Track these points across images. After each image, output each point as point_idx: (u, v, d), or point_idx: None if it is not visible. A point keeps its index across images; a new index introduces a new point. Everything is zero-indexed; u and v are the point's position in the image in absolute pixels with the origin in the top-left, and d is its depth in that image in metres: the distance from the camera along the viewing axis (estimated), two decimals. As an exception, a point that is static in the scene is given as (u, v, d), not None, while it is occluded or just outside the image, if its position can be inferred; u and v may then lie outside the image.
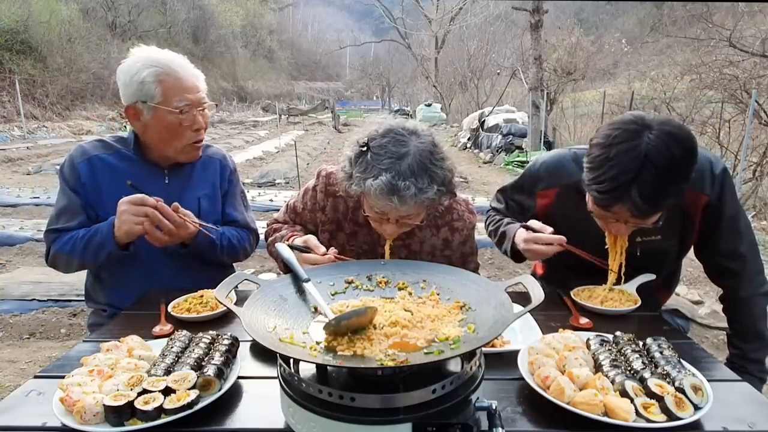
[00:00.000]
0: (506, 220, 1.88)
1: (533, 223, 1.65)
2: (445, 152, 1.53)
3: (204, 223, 1.77)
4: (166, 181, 1.91)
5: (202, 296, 1.64)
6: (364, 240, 1.80)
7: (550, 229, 1.61)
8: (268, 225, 2.00)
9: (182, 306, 1.60)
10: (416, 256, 1.79)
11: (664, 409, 1.01)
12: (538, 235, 1.60)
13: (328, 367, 0.97)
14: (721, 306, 1.80)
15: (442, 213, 1.79)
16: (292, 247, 1.59)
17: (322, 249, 1.60)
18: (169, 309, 1.58)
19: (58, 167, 1.89)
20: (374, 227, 1.67)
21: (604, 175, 1.38)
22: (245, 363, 1.27)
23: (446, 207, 1.79)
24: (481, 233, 2.02)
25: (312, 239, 1.65)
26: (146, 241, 1.83)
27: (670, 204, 1.42)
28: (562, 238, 1.56)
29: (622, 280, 1.68)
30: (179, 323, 1.53)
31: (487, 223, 2.00)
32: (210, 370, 1.11)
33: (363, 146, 1.49)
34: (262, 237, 2.09)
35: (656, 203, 1.39)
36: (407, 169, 1.42)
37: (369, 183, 1.43)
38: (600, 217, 1.55)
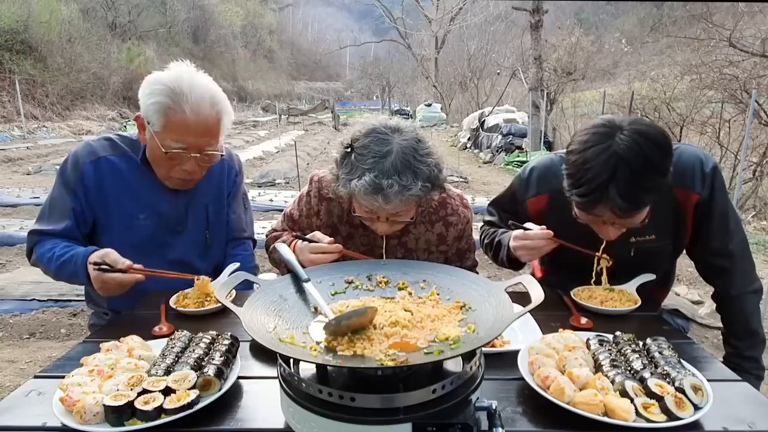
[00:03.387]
0: (500, 230, 1.87)
1: (528, 225, 1.65)
2: (431, 147, 1.53)
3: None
4: (173, 191, 1.83)
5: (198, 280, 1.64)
6: (360, 242, 1.81)
7: (540, 227, 1.61)
8: (267, 235, 2.01)
9: (184, 301, 1.62)
10: (412, 253, 1.80)
11: (664, 409, 1.01)
12: (528, 232, 1.61)
13: (328, 367, 0.97)
14: (715, 305, 1.81)
15: (436, 208, 1.79)
16: (300, 236, 1.60)
17: (329, 239, 1.61)
18: (171, 304, 1.60)
19: (58, 166, 1.85)
20: (368, 225, 1.67)
21: (581, 179, 1.41)
22: (245, 363, 1.27)
23: (440, 202, 1.79)
24: (475, 225, 2.00)
25: (318, 233, 1.66)
26: (146, 247, 1.79)
27: (651, 200, 1.43)
28: (549, 232, 1.57)
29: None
30: (182, 318, 1.54)
31: (482, 238, 1.99)
32: (210, 370, 1.11)
33: (347, 147, 1.51)
34: (261, 239, 2.08)
35: (636, 200, 1.40)
36: (390, 167, 1.43)
37: (354, 183, 1.45)
38: (587, 222, 1.56)
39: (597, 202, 1.41)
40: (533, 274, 2.22)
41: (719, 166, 1.71)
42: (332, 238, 1.62)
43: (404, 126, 1.54)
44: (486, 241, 1.93)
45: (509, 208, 1.94)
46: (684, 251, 1.84)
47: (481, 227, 2.04)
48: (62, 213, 1.75)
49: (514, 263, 1.78)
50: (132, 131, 1.86)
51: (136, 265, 1.59)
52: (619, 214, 1.42)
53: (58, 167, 1.85)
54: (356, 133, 1.52)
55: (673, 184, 1.57)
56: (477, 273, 2.00)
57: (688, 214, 1.68)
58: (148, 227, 1.79)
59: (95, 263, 1.56)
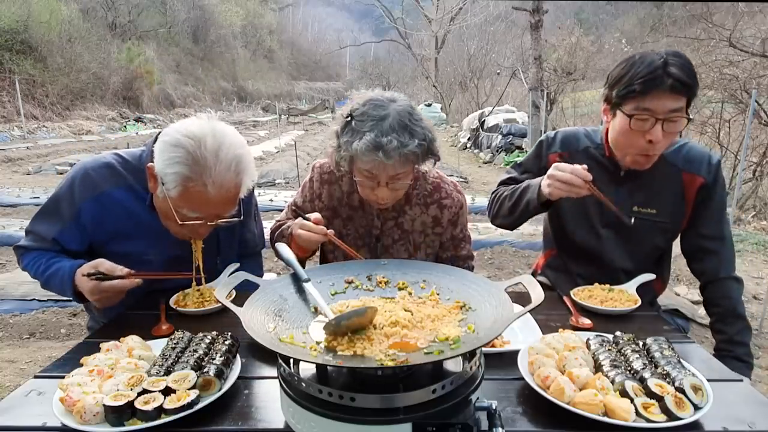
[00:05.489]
0: (527, 178, 1.88)
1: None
2: (424, 118, 1.65)
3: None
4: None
5: (198, 290, 1.66)
6: (359, 223, 1.90)
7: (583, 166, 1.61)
8: (272, 230, 2.01)
9: (184, 301, 1.62)
10: (408, 234, 1.89)
11: (664, 409, 1.01)
12: (571, 165, 1.60)
13: (328, 367, 0.97)
14: (702, 298, 1.88)
15: (431, 192, 1.89)
16: (300, 215, 1.68)
17: (320, 221, 1.66)
18: (171, 304, 1.60)
19: (57, 167, 1.83)
20: (368, 197, 1.74)
21: (636, 69, 1.57)
22: (245, 363, 1.27)
23: (434, 186, 1.89)
24: (475, 225, 1.98)
25: (317, 215, 1.70)
26: (140, 263, 1.69)
27: (696, 94, 1.58)
28: (589, 175, 1.57)
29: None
30: (182, 318, 1.54)
31: (501, 194, 1.92)
32: (210, 370, 1.11)
33: (347, 117, 1.63)
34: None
35: (691, 76, 1.55)
36: (389, 127, 1.55)
37: (355, 145, 1.56)
38: (635, 130, 1.61)
39: (657, 83, 1.53)
40: (534, 270, 2.22)
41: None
42: (321, 226, 1.64)
43: (399, 96, 1.66)
44: (507, 192, 1.87)
45: (532, 167, 1.98)
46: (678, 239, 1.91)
47: (494, 192, 1.98)
48: (48, 241, 1.68)
49: (541, 207, 1.73)
50: (135, 142, 1.78)
51: (133, 272, 1.52)
52: (679, 88, 1.53)
53: (57, 169, 1.81)
54: (354, 105, 1.64)
55: (682, 168, 1.76)
56: (473, 266, 2.03)
57: (690, 196, 1.78)
58: (158, 263, 1.69)
59: (89, 274, 1.48)
